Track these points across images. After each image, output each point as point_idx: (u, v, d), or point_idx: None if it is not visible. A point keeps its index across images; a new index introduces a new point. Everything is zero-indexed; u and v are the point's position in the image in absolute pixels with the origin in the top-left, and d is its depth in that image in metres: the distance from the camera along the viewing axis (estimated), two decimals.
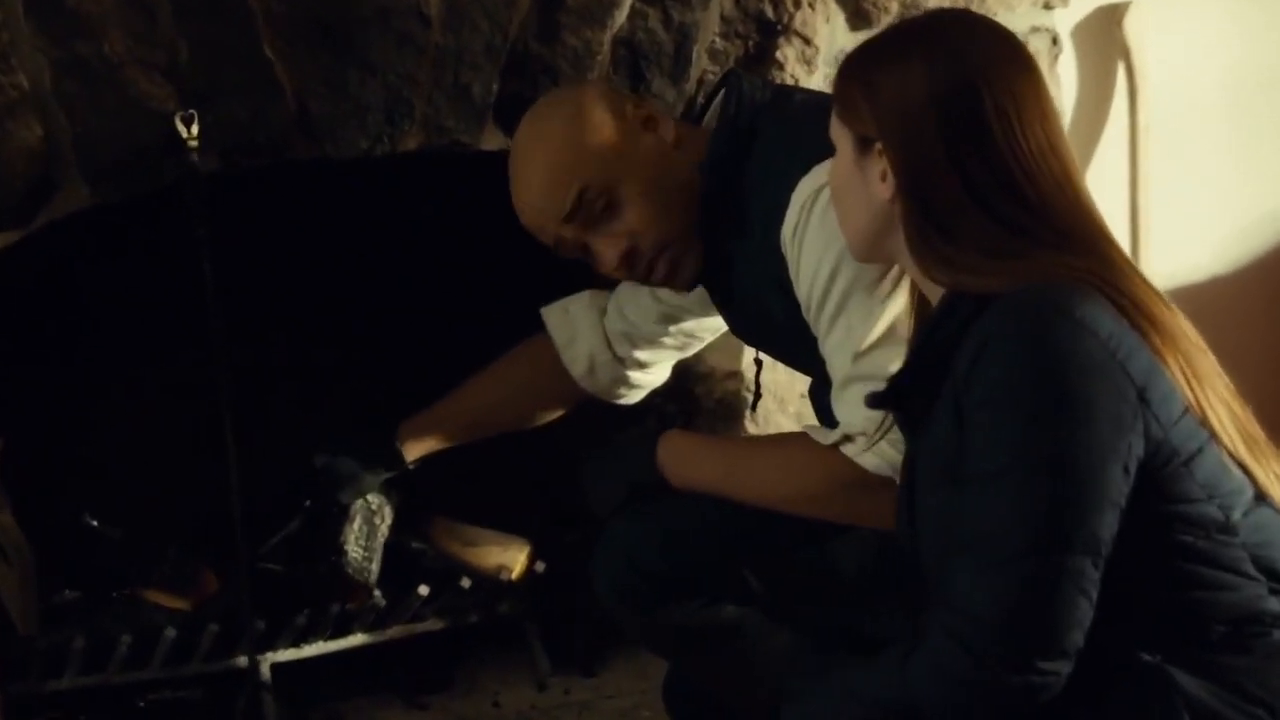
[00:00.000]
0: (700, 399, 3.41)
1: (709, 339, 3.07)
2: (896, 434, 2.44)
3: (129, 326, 3.26)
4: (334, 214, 3.26)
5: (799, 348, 2.59)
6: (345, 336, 3.48)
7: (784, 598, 2.67)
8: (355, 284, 3.42)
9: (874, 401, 2.20)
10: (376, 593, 3.24)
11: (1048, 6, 3.35)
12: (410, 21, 2.84)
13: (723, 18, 3.10)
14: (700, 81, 3.11)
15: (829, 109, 2.22)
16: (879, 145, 2.13)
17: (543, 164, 2.62)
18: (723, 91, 2.67)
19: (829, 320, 2.47)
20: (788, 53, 3.14)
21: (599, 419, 3.24)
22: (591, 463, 2.76)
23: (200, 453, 3.01)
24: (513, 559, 3.36)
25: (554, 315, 3.08)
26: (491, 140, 2.99)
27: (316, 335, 3.45)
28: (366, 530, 3.23)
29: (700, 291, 2.78)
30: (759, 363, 2.97)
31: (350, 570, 3.20)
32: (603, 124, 2.61)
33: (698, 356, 3.22)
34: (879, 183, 2.14)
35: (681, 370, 3.22)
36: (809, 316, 2.52)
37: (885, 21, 3.18)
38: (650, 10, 3.03)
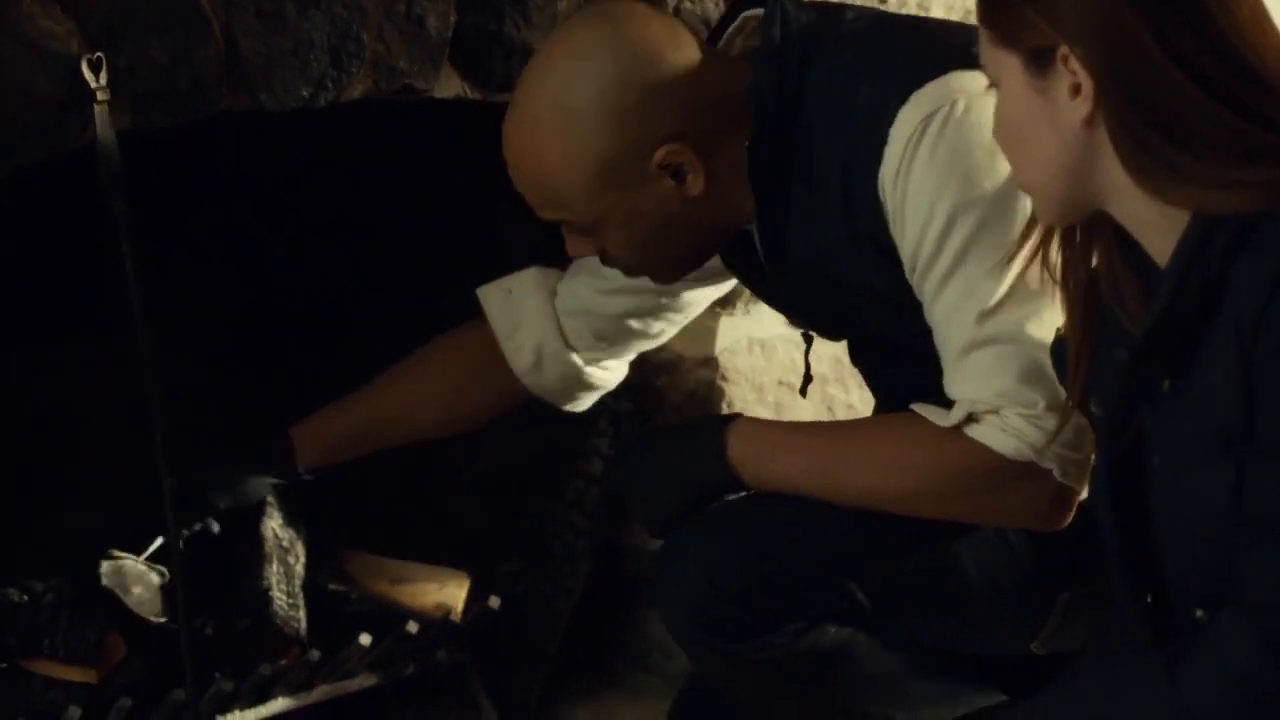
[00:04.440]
0: (664, 393, 2.95)
1: (686, 322, 2.60)
2: (1033, 409, 2.03)
3: (27, 327, 2.64)
4: (271, 179, 2.69)
5: (877, 316, 2.20)
6: (288, 327, 2.91)
7: (897, 613, 2.21)
8: (300, 264, 2.86)
9: (1128, 368, 1.75)
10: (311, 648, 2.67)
11: None
12: None
13: None
14: (677, 10, 2.63)
15: (899, 27, 1.95)
16: (1063, 50, 1.70)
17: (532, 171, 2.19)
18: (760, 14, 2.21)
19: (942, 277, 2.07)
20: None
21: (540, 423, 2.77)
22: (632, 462, 2.26)
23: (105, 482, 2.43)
24: (452, 595, 2.83)
25: (493, 296, 2.59)
26: (448, 86, 2.47)
27: (254, 326, 2.88)
28: (283, 570, 2.67)
29: None
30: (809, 339, 2.49)
31: (278, 621, 2.63)
32: (615, 156, 2.15)
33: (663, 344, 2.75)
34: (1069, 101, 1.72)
35: (640, 358, 2.75)
36: (913, 274, 2.11)
37: None
38: None
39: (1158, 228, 1.72)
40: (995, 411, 2.06)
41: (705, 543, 2.19)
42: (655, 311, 2.55)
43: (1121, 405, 1.81)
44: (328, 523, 2.82)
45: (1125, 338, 1.79)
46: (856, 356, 2.44)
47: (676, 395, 2.95)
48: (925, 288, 2.09)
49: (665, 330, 2.60)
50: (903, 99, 2.07)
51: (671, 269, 2.29)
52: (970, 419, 2.08)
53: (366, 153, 2.79)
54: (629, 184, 2.15)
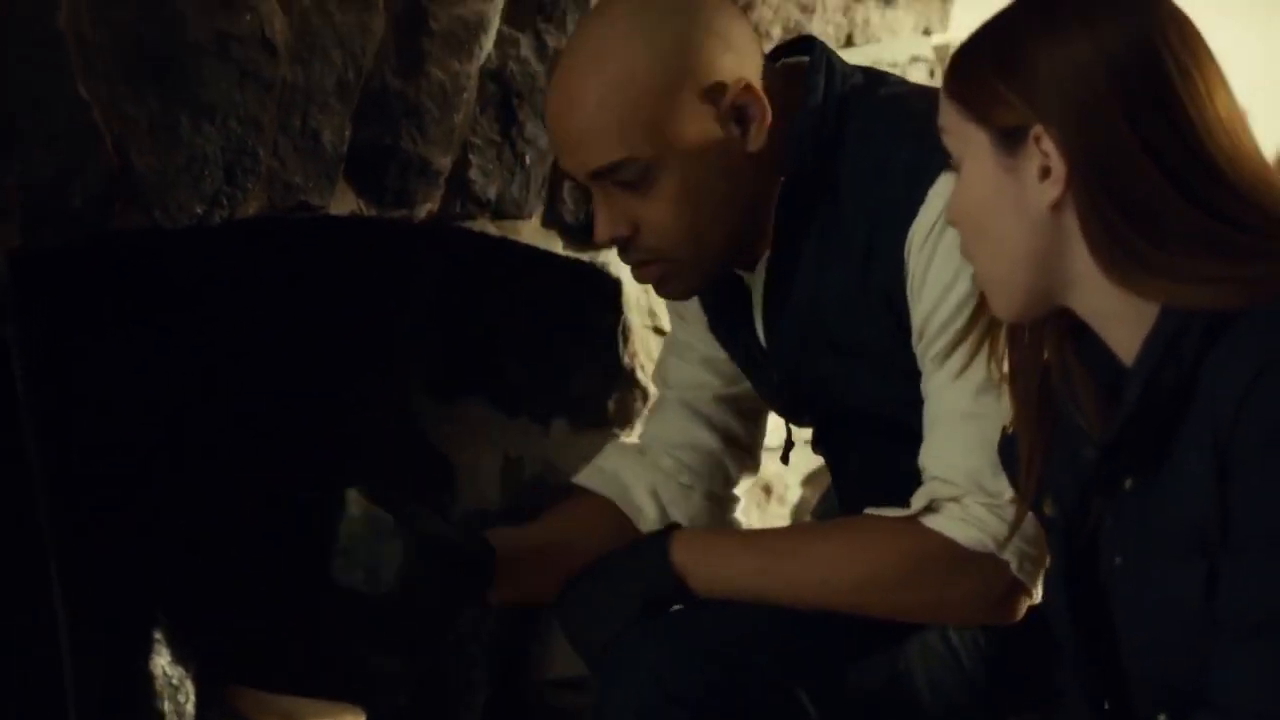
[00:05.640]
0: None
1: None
2: (997, 499, 1.99)
3: None
4: (166, 301, 2.60)
5: (866, 380, 2.14)
6: (188, 451, 2.81)
7: None
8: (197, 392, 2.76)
9: (1102, 457, 1.71)
10: None
11: (926, 32, 2.97)
12: (254, 50, 2.24)
13: None
14: None
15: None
16: (1036, 129, 1.66)
17: (599, 104, 2.05)
18: (803, 61, 2.16)
19: (949, 345, 2.01)
20: None
21: None
22: (576, 589, 2.17)
23: None
24: None
25: (592, 478, 2.38)
26: (343, 202, 2.40)
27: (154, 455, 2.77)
28: (174, 709, 2.58)
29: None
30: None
31: None
32: (692, 90, 2.06)
33: (555, 466, 2.69)
34: (1038, 183, 1.67)
35: (537, 482, 2.69)
36: (920, 339, 2.05)
37: (767, 46, 2.74)
38: (521, 36, 2.51)
39: (1124, 321, 1.68)
40: (957, 500, 2.02)
41: (656, 650, 2.10)
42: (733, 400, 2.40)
43: (1078, 503, 1.76)
44: (217, 659, 2.72)
45: (1080, 434, 1.76)
46: (824, 439, 2.36)
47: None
48: (930, 354, 2.05)
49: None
50: (936, 162, 1.99)
51: (709, 247, 2.13)
52: (929, 509, 2.04)
53: (261, 270, 2.71)
54: (699, 116, 2.07)
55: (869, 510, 2.10)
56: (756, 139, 2.09)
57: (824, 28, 2.83)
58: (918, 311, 2.05)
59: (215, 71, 2.21)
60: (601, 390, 2.86)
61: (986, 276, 1.76)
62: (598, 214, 2.11)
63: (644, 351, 2.82)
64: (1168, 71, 1.66)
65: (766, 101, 2.09)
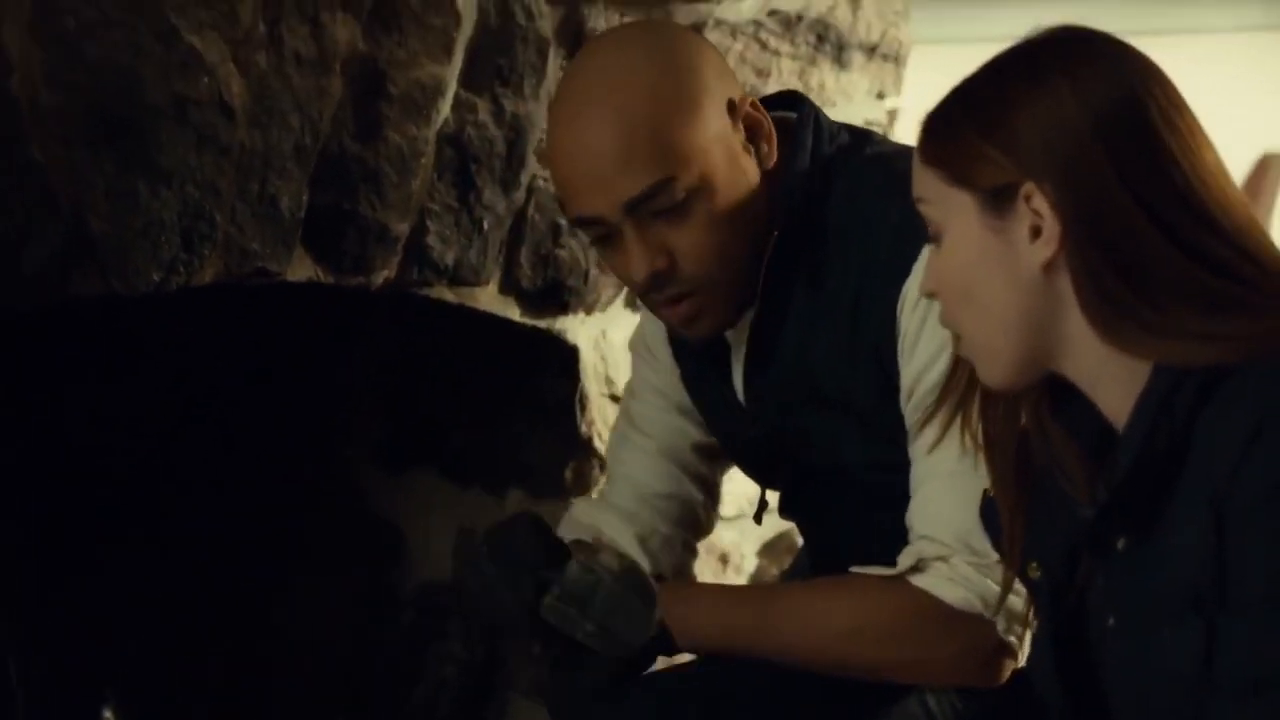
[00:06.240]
0: None
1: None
2: (985, 559, 1.97)
3: None
4: (123, 369, 2.54)
5: (847, 437, 2.11)
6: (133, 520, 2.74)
7: None
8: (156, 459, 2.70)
9: (1089, 529, 1.68)
10: None
11: (880, 96, 2.96)
12: (212, 114, 2.19)
13: None
14: (530, 189, 2.56)
15: None
16: (1027, 188, 1.64)
17: (630, 127, 1.99)
18: (789, 117, 2.14)
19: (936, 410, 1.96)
20: None
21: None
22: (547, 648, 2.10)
23: None
24: None
25: (573, 530, 2.30)
26: (300, 269, 2.35)
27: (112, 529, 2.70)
28: None
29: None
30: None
31: None
32: (712, 112, 2.03)
33: None
34: (1029, 244, 1.65)
35: None
36: (909, 398, 2.03)
37: None
38: (479, 100, 2.47)
39: (1114, 381, 1.66)
40: (945, 559, 2.00)
41: (659, 707, 2.08)
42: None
43: (1066, 564, 1.74)
44: None
45: (1063, 497, 1.73)
46: (795, 502, 2.32)
47: None
48: (918, 416, 2.01)
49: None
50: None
51: (740, 273, 2.08)
52: (916, 568, 2.01)
53: (213, 337, 2.66)
54: (724, 130, 2.03)
55: (855, 569, 2.07)
56: (769, 157, 2.07)
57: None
58: (908, 372, 2.02)
59: (173, 135, 2.16)
60: (558, 459, 2.81)
61: (975, 344, 1.72)
62: (632, 253, 2.04)
63: (601, 420, 2.78)
64: (1154, 122, 1.64)
65: (768, 123, 2.07)
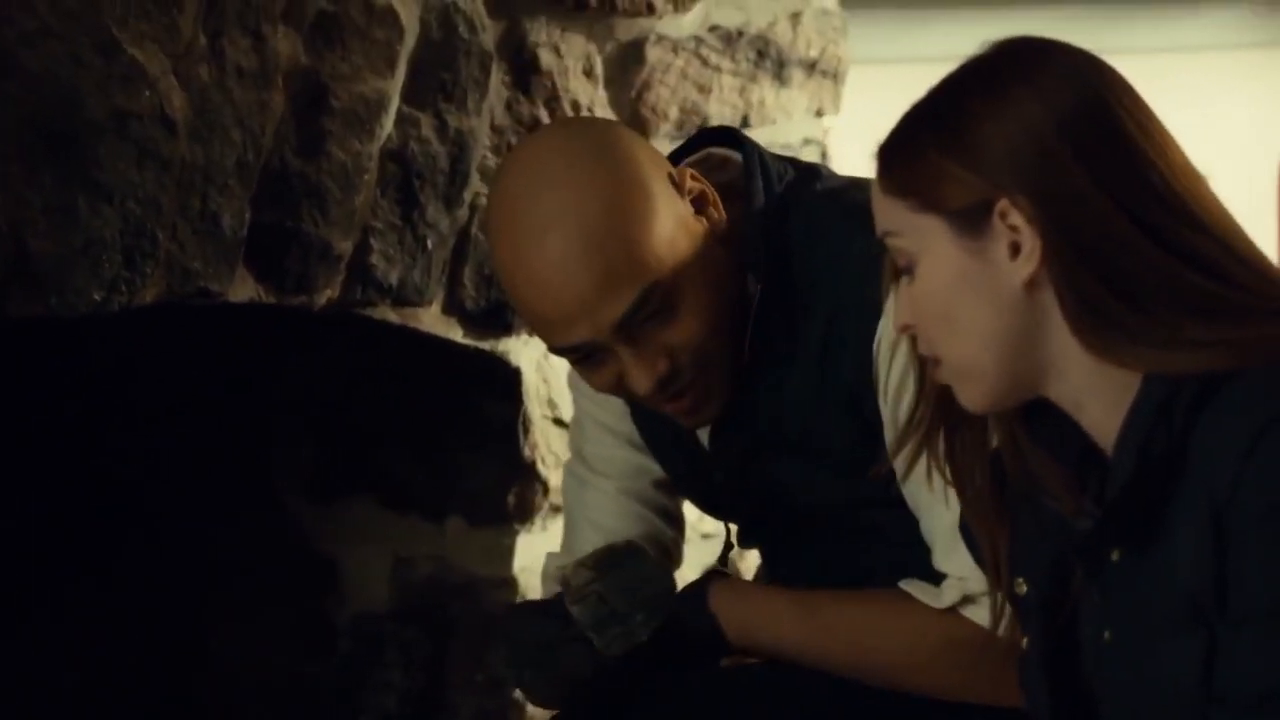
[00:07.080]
0: (457, 620, 2.75)
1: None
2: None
3: None
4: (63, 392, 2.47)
5: (816, 477, 2.07)
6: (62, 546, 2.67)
7: None
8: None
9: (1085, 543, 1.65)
10: None
11: (819, 114, 2.94)
12: (153, 128, 2.13)
13: (493, 127, 2.53)
14: (473, 207, 2.51)
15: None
16: (1002, 204, 1.60)
17: (602, 247, 1.93)
18: (724, 154, 2.10)
19: None
20: None
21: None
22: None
23: None
24: None
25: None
26: (242, 289, 2.29)
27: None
28: None
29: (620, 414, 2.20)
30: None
31: None
32: (666, 201, 1.98)
33: (450, 565, 2.63)
34: (1009, 262, 1.61)
35: (430, 581, 2.59)
36: (894, 447, 1.95)
37: (664, 129, 2.70)
38: (421, 115, 2.43)
39: (1102, 397, 1.62)
40: (989, 593, 1.96)
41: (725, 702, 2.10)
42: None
43: (1056, 580, 1.70)
44: None
45: (1047, 513, 1.70)
46: (757, 534, 2.28)
47: (473, 618, 2.76)
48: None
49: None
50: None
51: (729, 345, 2.04)
52: (966, 599, 2.00)
53: (148, 361, 2.59)
54: (680, 214, 1.98)
55: (905, 584, 2.05)
56: (720, 221, 2.03)
57: (720, 109, 2.79)
58: (893, 414, 1.98)
59: (113, 150, 2.09)
60: (500, 484, 2.76)
61: (957, 369, 1.67)
62: (631, 367, 1.98)
63: (544, 443, 2.73)
64: (1123, 123, 1.61)
65: (708, 188, 2.03)
